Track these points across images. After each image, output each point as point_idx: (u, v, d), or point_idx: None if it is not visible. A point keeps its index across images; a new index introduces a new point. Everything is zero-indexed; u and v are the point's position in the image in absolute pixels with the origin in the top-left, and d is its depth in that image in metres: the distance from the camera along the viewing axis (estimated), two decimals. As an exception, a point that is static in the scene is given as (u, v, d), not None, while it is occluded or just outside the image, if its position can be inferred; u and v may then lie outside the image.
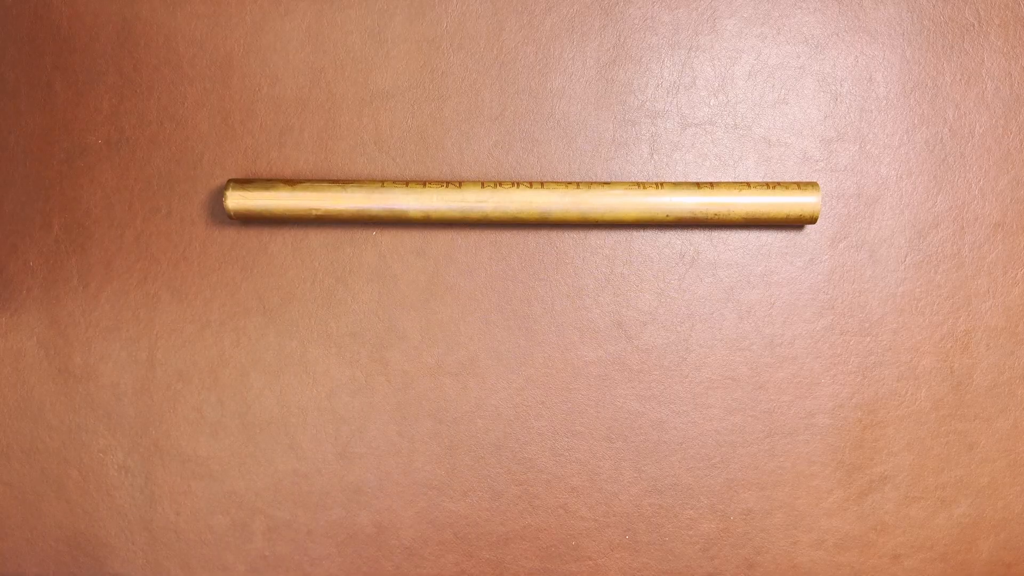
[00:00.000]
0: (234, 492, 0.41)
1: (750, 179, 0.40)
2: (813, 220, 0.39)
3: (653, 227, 0.41)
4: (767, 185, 0.39)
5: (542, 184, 0.39)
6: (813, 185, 0.39)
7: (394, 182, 0.39)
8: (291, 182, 0.39)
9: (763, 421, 0.40)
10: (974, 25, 0.40)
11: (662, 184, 0.39)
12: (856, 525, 0.40)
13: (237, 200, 0.39)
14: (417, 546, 0.41)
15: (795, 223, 0.40)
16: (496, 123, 0.41)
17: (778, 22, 0.40)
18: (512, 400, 0.41)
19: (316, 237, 0.41)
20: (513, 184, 0.39)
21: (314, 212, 0.39)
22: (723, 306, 0.40)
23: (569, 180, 0.41)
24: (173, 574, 0.41)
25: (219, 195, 0.41)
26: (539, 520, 0.41)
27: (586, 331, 0.41)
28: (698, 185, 0.39)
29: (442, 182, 0.39)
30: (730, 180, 0.40)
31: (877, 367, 0.40)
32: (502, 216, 0.39)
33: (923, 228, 0.40)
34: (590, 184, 0.39)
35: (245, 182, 0.39)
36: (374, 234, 0.41)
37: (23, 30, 0.41)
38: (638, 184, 0.39)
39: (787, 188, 0.39)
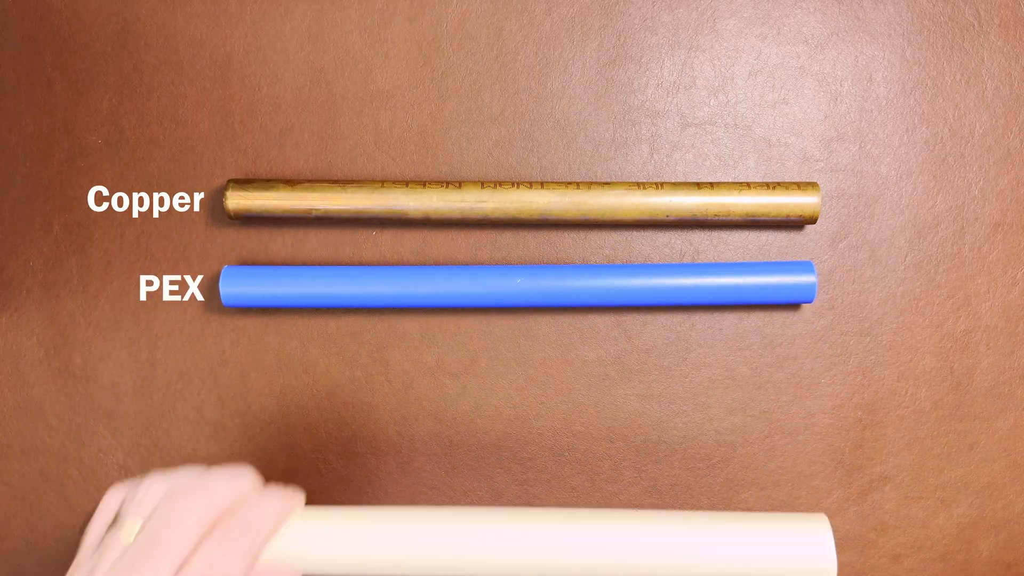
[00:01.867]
0: (234, 492, 0.41)
1: (750, 179, 0.40)
2: (813, 220, 0.39)
3: (653, 227, 0.41)
4: (767, 185, 0.39)
5: (542, 184, 0.39)
6: (813, 185, 0.39)
7: (394, 182, 0.39)
8: (291, 182, 0.39)
9: (763, 421, 0.40)
10: (974, 25, 0.40)
11: (662, 184, 0.39)
12: (856, 525, 0.40)
13: (237, 200, 0.39)
14: (417, 546, 0.41)
15: (795, 223, 0.40)
16: (496, 123, 0.41)
17: (778, 22, 0.40)
18: (512, 400, 0.41)
19: (316, 237, 0.41)
20: (513, 184, 0.39)
21: (314, 212, 0.39)
22: (723, 306, 0.40)
23: (569, 180, 0.41)
24: (173, 574, 0.41)
25: (219, 195, 0.41)
26: (539, 520, 0.41)
27: (586, 331, 0.41)
28: (698, 185, 0.39)
29: (442, 182, 0.39)
30: (730, 180, 0.40)
31: (877, 367, 0.40)
32: (502, 216, 0.39)
33: (923, 228, 0.40)
34: (590, 184, 0.39)
35: (245, 182, 0.39)
36: (374, 234, 0.41)
37: (23, 30, 0.41)
38: (638, 184, 0.39)
39: (787, 188, 0.39)
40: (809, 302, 0.39)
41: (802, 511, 0.40)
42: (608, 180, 0.40)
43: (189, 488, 0.28)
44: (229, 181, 0.39)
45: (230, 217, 0.39)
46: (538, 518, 0.29)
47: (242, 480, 0.29)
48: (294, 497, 0.30)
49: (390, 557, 0.28)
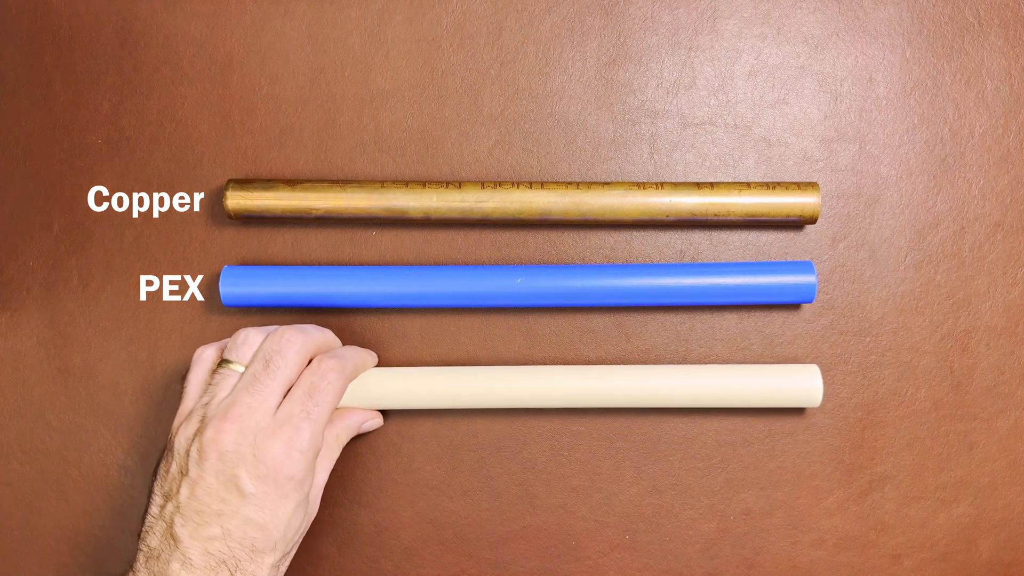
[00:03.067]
0: (234, 492, 0.41)
1: (750, 179, 0.40)
2: (813, 220, 0.39)
3: (653, 227, 0.41)
4: (767, 185, 0.39)
5: (542, 184, 0.39)
6: (813, 185, 0.39)
7: (394, 182, 0.39)
8: (291, 182, 0.39)
9: (763, 421, 0.40)
10: (974, 25, 0.40)
11: (662, 184, 0.39)
12: (856, 525, 0.40)
13: (237, 200, 0.39)
14: (417, 546, 0.41)
15: (795, 223, 0.40)
16: (496, 123, 0.41)
17: (778, 22, 0.40)
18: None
19: (316, 237, 0.41)
20: (513, 184, 0.39)
21: (314, 212, 0.39)
22: (723, 306, 0.40)
23: (569, 180, 0.41)
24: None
25: (219, 195, 0.41)
26: (539, 520, 0.41)
27: (586, 331, 0.41)
28: (698, 185, 0.39)
29: (442, 182, 0.39)
30: (730, 180, 0.40)
31: (877, 367, 0.40)
32: (502, 216, 0.39)
33: (923, 228, 0.40)
34: (590, 184, 0.39)
35: (245, 182, 0.39)
36: (374, 234, 0.41)
37: (23, 30, 0.41)
38: (638, 184, 0.39)
39: (787, 188, 0.39)
40: (809, 302, 0.39)
41: (802, 511, 0.40)
42: (608, 180, 0.40)
43: (289, 328, 0.35)
44: (229, 181, 0.39)
45: (230, 217, 0.39)
46: (567, 370, 0.39)
47: (328, 332, 0.37)
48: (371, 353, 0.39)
49: (444, 397, 0.38)
